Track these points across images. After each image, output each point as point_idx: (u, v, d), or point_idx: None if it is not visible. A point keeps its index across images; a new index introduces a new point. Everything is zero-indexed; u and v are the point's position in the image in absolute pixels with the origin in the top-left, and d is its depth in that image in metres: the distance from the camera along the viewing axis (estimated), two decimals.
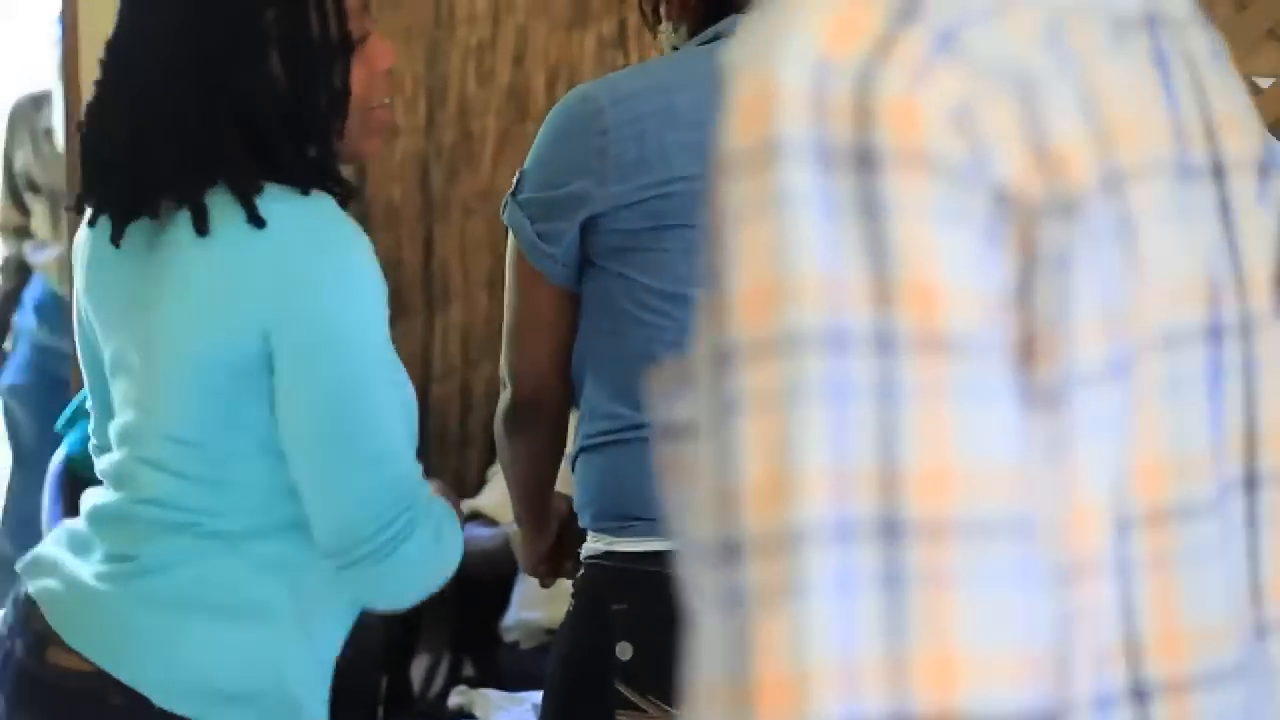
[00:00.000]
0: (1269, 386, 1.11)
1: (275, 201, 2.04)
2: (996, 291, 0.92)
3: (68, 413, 3.76)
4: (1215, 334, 1.06)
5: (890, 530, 0.88)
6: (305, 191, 2.05)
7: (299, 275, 2.03)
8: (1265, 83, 3.57)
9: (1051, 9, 1.00)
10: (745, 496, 0.90)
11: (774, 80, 0.93)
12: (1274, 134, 3.39)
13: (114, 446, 2.19)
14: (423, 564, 2.11)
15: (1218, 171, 1.09)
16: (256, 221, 2.02)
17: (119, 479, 2.18)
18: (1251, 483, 1.10)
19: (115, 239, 2.14)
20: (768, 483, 0.89)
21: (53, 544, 2.23)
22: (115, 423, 2.19)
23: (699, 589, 0.92)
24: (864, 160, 0.91)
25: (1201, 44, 1.12)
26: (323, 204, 2.07)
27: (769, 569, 0.88)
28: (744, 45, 0.96)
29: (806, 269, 0.90)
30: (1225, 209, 1.09)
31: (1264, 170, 1.15)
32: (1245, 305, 1.09)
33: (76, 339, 2.30)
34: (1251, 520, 1.10)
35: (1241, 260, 1.09)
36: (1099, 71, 1.01)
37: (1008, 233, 0.93)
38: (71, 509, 3.57)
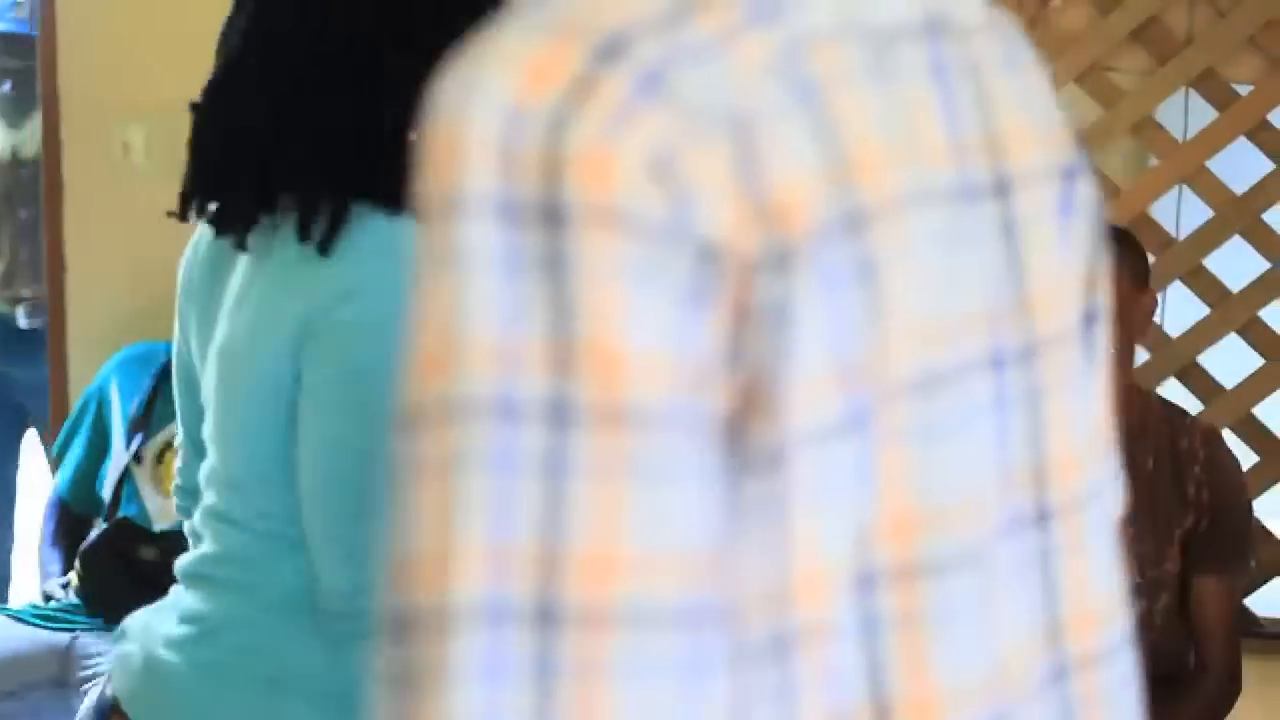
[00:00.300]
0: (1054, 414, 1.07)
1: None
2: (700, 356, 0.87)
3: (61, 438, 3.77)
4: (996, 364, 1.02)
5: (546, 616, 0.83)
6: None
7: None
8: (1244, 90, 3.61)
9: (790, 35, 0.93)
10: (413, 570, 0.85)
11: (463, 128, 0.87)
12: (1254, 140, 3.45)
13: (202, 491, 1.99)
14: None
15: (1001, 189, 1.04)
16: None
17: (193, 531, 2.00)
18: (1043, 517, 1.06)
19: (240, 242, 1.94)
20: (432, 557, 0.84)
21: (154, 606, 2.05)
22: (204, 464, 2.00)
23: (375, 664, 0.87)
24: (551, 216, 0.85)
25: (993, 51, 1.06)
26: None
27: (427, 649, 0.84)
28: (445, 86, 0.89)
29: (480, 331, 0.85)
30: (1009, 229, 1.04)
31: (1070, 177, 1.11)
32: (1028, 330, 1.05)
33: (175, 359, 2.12)
34: (1045, 556, 1.06)
35: (1026, 282, 1.05)
36: (847, 99, 0.94)
37: (718, 290, 0.87)
38: (70, 548, 3.59)
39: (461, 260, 0.86)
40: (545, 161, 0.86)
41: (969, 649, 0.99)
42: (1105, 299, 1.15)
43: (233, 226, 1.94)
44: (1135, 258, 3.07)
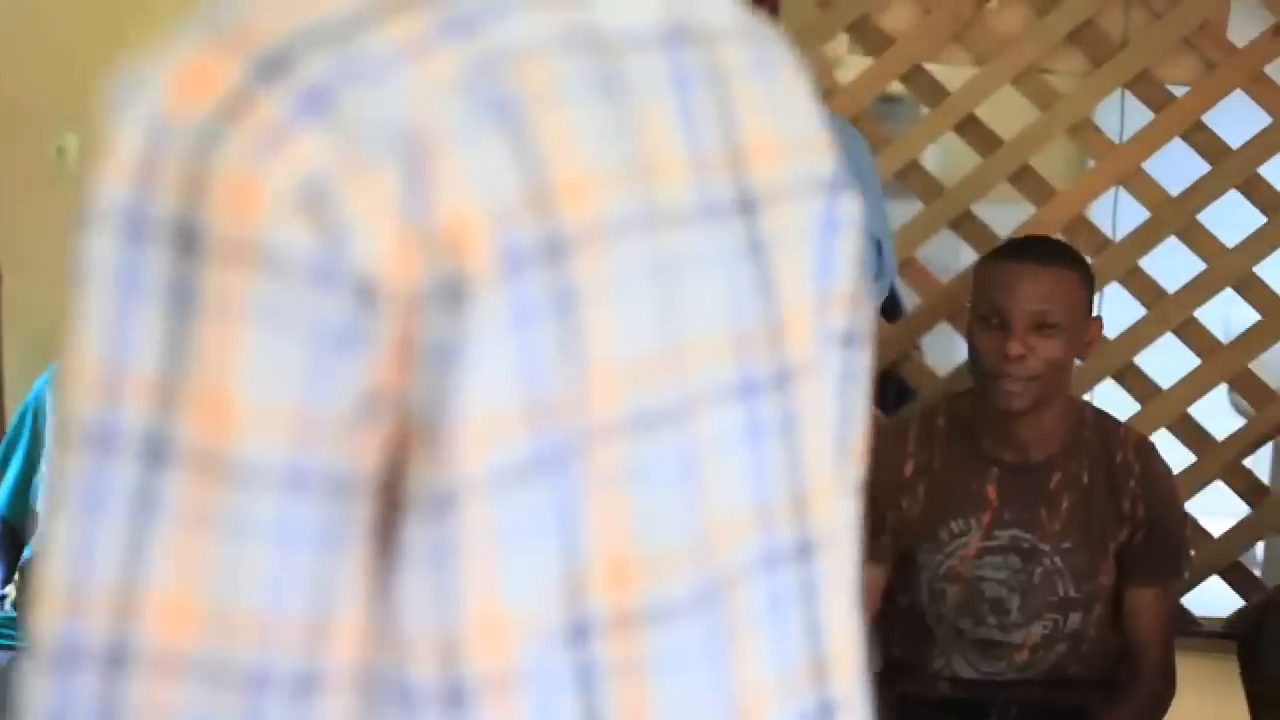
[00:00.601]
0: (811, 441, 1.01)
1: None
2: (340, 405, 0.82)
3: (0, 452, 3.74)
4: (747, 392, 0.96)
5: (116, 660, 0.80)
6: None
7: None
8: (1179, 91, 3.63)
9: (489, 48, 0.86)
10: (38, 597, 0.83)
11: (112, 136, 0.82)
12: (1189, 142, 3.47)
13: None
14: None
15: (746, 206, 0.97)
16: None
17: None
18: (804, 550, 1.01)
19: None
20: (43, 587, 0.82)
21: None
22: None
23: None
24: (184, 241, 0.80)
25: (743, 58, 0.99)
26: None
27: (32, 686, 0.82)
28: (112, 85, 0.84)
29: (89, 351, 0.80)
30: (757, 248, 0.97)
31: (833, 190, 1.04)
32: (781, 355, 0.99)
33: None
34: (808, 590, 1.01)
35: (778, 304, 0.98)
36: (555, 117, 0.87)
37: (376, 328, 0.82)
38: (10, 562, 3.55)
39: (87, 272, 0.81)
40: (186, 181, 0.80)
41: (699, 695, 0.95)
42: (868, 318, 1.09)
43: None
44: (1089, 283, 3.11)
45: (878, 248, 2.85)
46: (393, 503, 0.84)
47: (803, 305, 1.01)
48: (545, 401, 0.86)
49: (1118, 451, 3.10)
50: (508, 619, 0.87)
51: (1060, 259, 3.08)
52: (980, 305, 3.07)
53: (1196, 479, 3.74)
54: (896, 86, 3.78)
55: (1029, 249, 3.12)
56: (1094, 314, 3.16)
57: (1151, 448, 3.14)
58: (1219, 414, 4.21)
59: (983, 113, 3.73)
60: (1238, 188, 3.69)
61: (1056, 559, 3.06)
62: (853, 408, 1.09)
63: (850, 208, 1.06)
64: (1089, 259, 3.60)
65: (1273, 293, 3.70)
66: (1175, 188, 3.69)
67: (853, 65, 3.84)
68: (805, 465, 1.00)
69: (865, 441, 1.10)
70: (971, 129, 3.74)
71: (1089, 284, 3.11)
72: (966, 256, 3.84)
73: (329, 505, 0.82)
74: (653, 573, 0.92)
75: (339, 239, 0.81)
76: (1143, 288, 3.74)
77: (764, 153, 0.99)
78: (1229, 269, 3.69)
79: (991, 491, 3.10)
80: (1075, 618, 3.08)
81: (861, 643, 1.07)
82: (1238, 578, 3.79)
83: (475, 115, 0.84)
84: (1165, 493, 3.13)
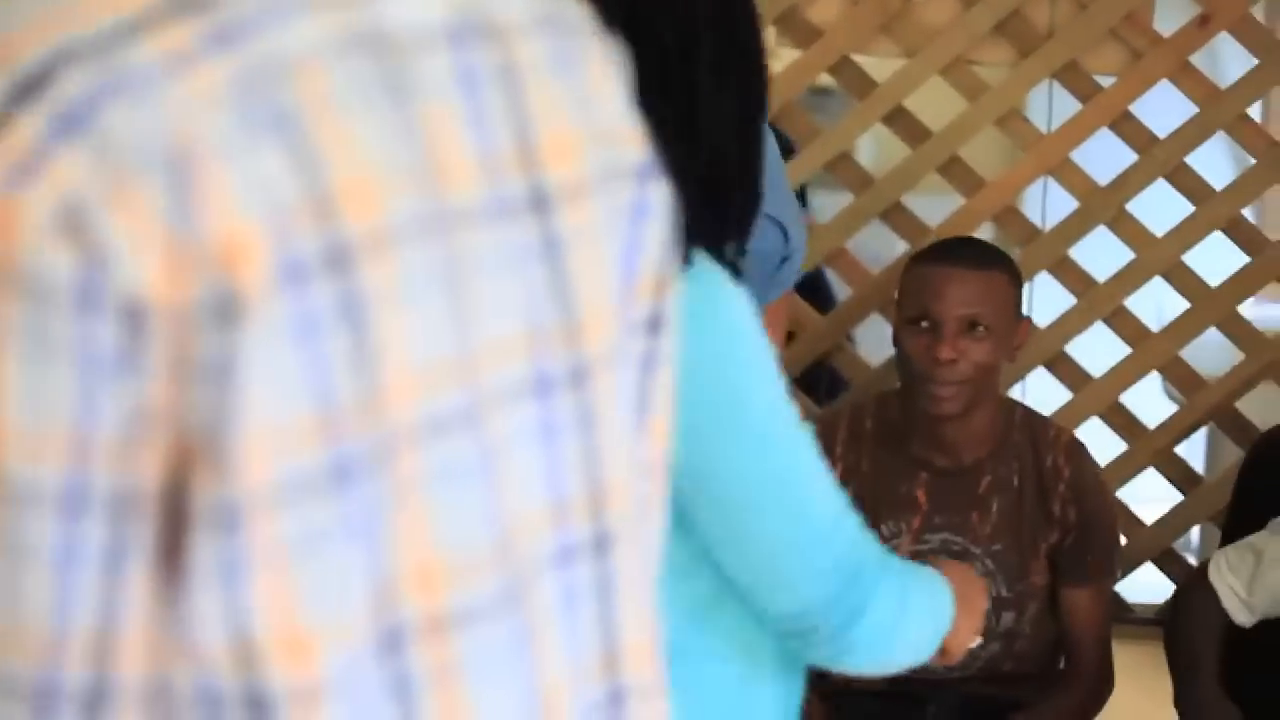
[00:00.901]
0: (609, 435, 1.01)
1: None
2: (117, 424, 0.81)
3: None
4: (542, 391, 0.97)
5: None
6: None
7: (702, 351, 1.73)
8: (1107, 81, 3.65)
9: (259, 58, 0.85)
10: None
11: None
12: (1116, 131, 3.48)
13: None
14: (881, 641, 1.86)
15: (540, 204, 0.96)
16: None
17: None
18: (601, 544, 1.01)
19: None
20: None
21: None
22: None
23: None
24: None
25: (539, 52, 0.98)
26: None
27: None
28: None
29: None
30: (552, 246, 0.97)
31: (642, 179, 1.04)
32: (578, 352, 0.98)
33: None
34: (603, 585, 1.02)
35: (574, 301, 0.98)
36: (333, 125, 0.86)
37: (148, 349, 0.81)
38: None
39: None
40: None
41: (508, 694, 0.96)
42: (673, 304, 1.09)
43: None
44: (1017, 284, 3.11)
45: (783, 231, 2.83)
46: (179, 518, 0.84)
47: (603, 300, 1.00)
48: (338, 411, 0.86)
49: (1047, 455, 3.09)
50: (310, 632, 0.86)
51: (989, 261, 3.08)
52: (909, 308, 3.06)
53: (1129, 467, 3.76)
54: (826, 79, 3.78)
55: (958, 251, 3.12)
56: (1022, 313, 3.16)
57: (1081, 450, 3.15)
58: (1156, 402, 4.23)
59: (911, 104, 3.74)
60: (1165, 177, 3.70)
61: (988, 561, 3.06)
62: (656, 390, 1.09)
63: (660, 194, 1.05)
64: (1018, 249, 3.61)
65: (1202, 281, 3.72)
66: (1104, 177, 3.71)
67: (782, 57, 3.84)
68: (603, 459, 1.01)
69: (669, 425, 1.11)
70: (900, 120, 3.74)
71: (1018, 284, 3.12)
72: (898, 247, 3.85)
73: (111, 523, 0.82)
74: (459, 576, 0.92)
75: (102, 261, 0.80)
76: (1073, 277, 3.75)
77: (560, 150, 0.98)
78: (1158, 258, 3.71)
79: (921, 495, 3.09)
80: (1008, 617, 3.08)
81: (662, 628, 1.08)
82: (1171, 565, 3.81)
83: (247, 127, 0.83)
84: (1096, 496, 3.13)
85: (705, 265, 1.74)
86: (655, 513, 1.11)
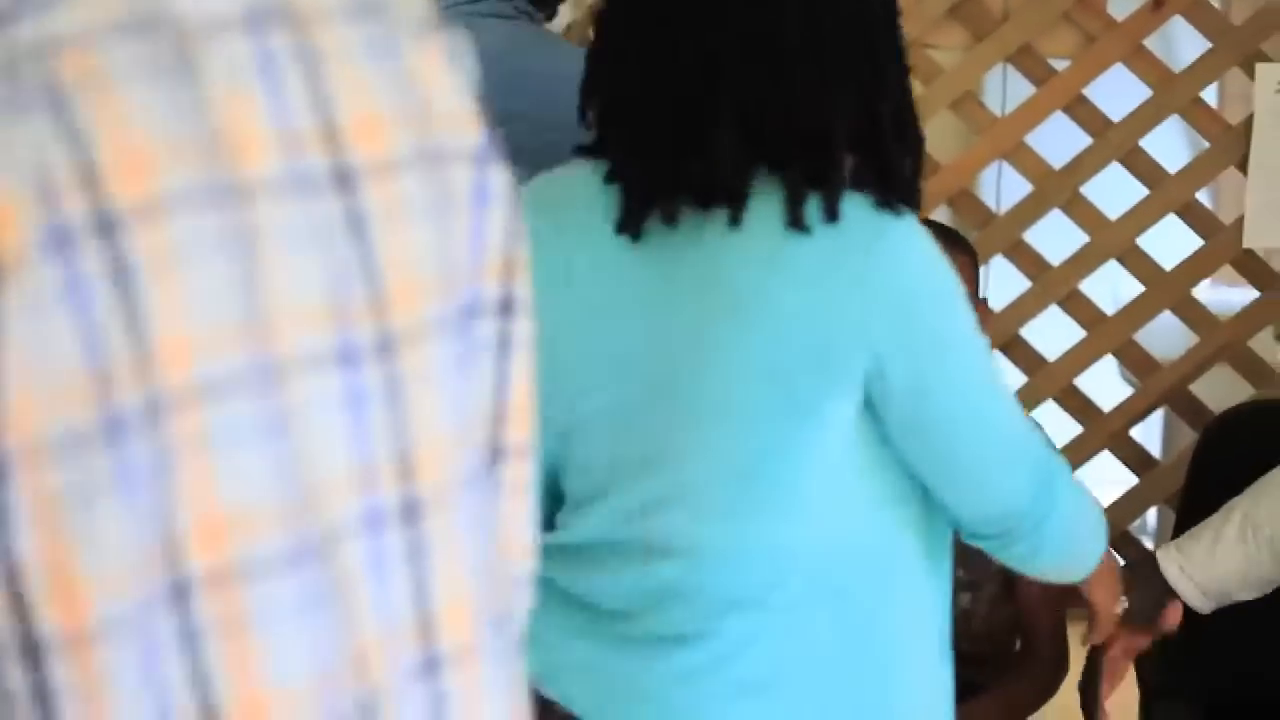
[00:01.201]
0: (419, 406, 1.05)
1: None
2: None
3: None
4: (346, 360, 1.01)
5: None
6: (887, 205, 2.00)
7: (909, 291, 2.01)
8: (1061, 65, 3.65)
9: (30, 36, 0.91)
10: None
11: None
12: (1071, 115, 3.47)
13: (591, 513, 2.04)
14: (1065, 539, 2.16)
15: (344, 181, 1.01)
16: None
17: (631, 549, 2.02)
18: (410, 511, 1.05)
19: (633, 229, 1.94)
20: None
21: None
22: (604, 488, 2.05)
23: None
24: None
25: (348, 38, 1.03)
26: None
27: None
28: None
29: None
30: (359, 222, 1.02)
31: (481, 163, 1.09)
32: (385, 324, 1.03)
33: None
34: (415, 551, 1.05)
35: (381, 276, 1.03)
36: (108, 99, 0.92)
37: None
38: None
39: None
40: None
41: (307, 647, 1.00)
42: (525, 287, 1.14)
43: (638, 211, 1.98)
44: (975, 267, 3.10)
45: None
46: None
47: (415, 274, 1.05)
48: (110, 370, 0.91)
49: None
50: (81, 581, 0.91)
51: (948, 243, 3.07)
52: None
53: (1084, 450, 3.76)
54: None
55: None
56: (980, 296, 3.15)
57: (1037, 431, 3.14)
58: (1111, 385, 4.24)
59: None
60: (1120, 160, 3.70)
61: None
62: (513, 372, 1.14)
63: (501, 177, 1.11)
64: (974, 233, 3.61)
65: (1156, 265, 3.72)
66: (1058, 161, 3.70)
67: None
68: (413, 429, 1.05)
69: (531, 402, 1.16)
70: None
71: (976, 268, 3.11)
72: None
73: None
74: (244, 531, 0.97)
75: None
76: (1027, 260, 3.75)
77: (368, 130, 1.03)
78: (1113, 241, 3.71)
79: None
80: (964, 598, 3.08)
81: (485, 596, 1.12)
82: (1127, 548, 3.81)
83: (14, 100, 0.89)
84: None
85: (876, 212, 1.98)
86: (520, 495, 1.17)
